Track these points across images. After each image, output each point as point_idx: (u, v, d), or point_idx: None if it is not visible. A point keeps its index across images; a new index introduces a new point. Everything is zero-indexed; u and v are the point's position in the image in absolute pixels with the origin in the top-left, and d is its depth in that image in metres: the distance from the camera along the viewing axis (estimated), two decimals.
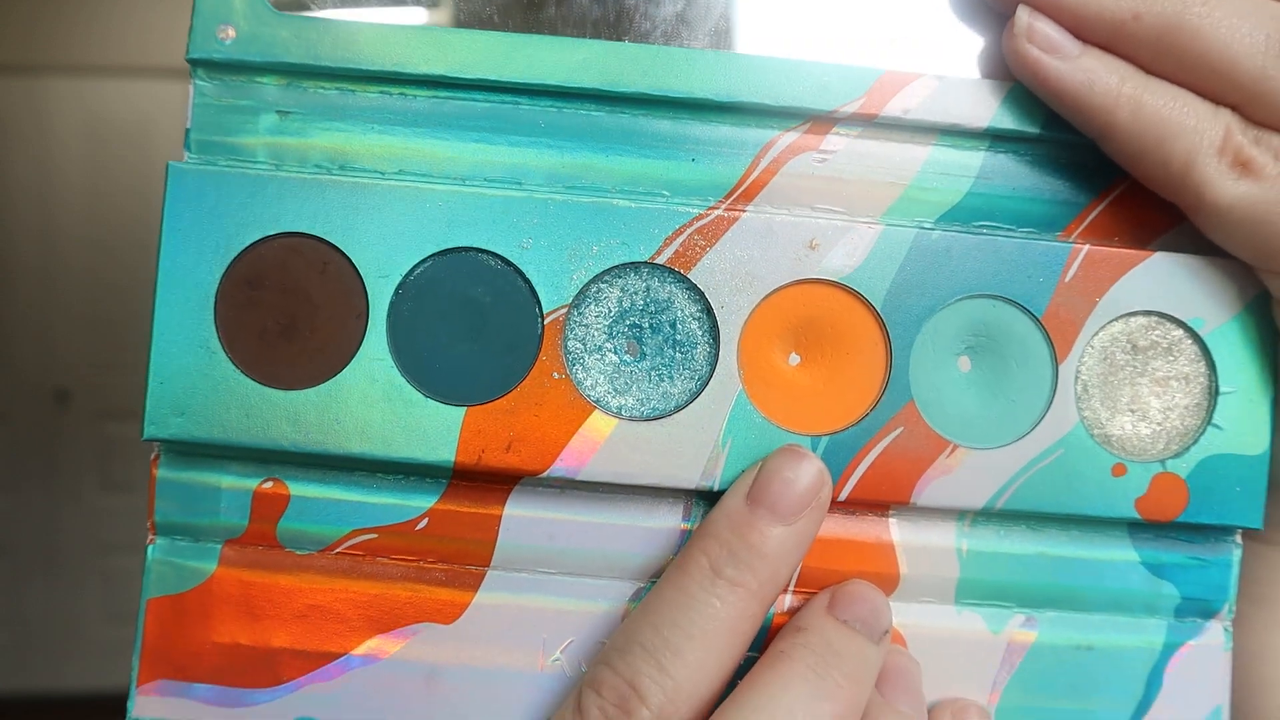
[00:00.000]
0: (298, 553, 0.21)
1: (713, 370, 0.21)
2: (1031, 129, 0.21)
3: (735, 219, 0.21)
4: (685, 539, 0.21)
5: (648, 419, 0.21)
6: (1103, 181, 0.22)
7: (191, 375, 0.21)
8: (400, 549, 0.21)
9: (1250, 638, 0.23)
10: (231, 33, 0.21)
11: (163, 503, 0.21)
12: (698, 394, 0.21)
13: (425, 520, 0.21)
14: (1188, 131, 0.20)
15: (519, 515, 0.21)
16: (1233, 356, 0.21)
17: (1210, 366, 0.21)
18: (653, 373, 0.21)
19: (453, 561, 0.21)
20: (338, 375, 0.21)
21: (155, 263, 0.21)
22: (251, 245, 0.21)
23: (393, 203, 0.21)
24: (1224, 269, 0.21)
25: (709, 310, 0.21)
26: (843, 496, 0.21)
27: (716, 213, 0.21)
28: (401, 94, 0.21)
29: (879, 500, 0.21)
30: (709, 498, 0.21)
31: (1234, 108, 0.20)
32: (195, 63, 0.21)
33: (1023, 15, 0.20)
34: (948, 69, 0.21)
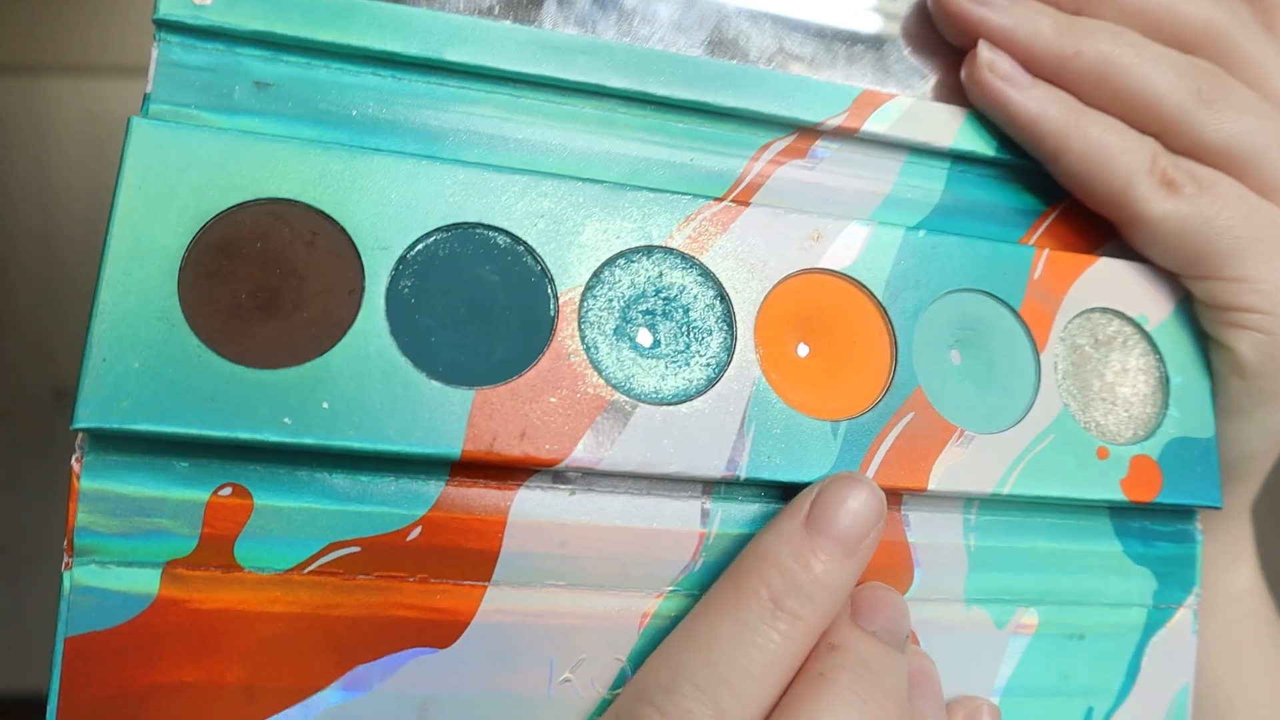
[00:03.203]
0: (261, 573, 0.18)
1: (730, 356, 0.20)
2: (987, 151, 0.23)
3: (742, 210, 0.21)
4: (704, 544, 0.20)
5: (667, 404, 0.20)
6: (1048, 199, 0.24)
7: (144, 351, 0.17)
8: (387, 564, 0.18)
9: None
10: None
11: (87, 516, 0.17)
12: (716, 379, 0.20)
13: (418, 529, 0.18)
14: (1125, 154, 0.22)
15: (525, 521, 0.19)
16: (1176, 348, 0.23)
17: (1159, 358, 0.23)
18: (669, 359, 0.20)
19: (448, 577, 0.19)
20: (326, 353, 0.18)
21: (106, 225, 0.18)
22: (227, 210, 0.18)
23: (397, 172, 0.19)
24: (1156, 272, 0.23)
25: (723, 296, 0.20)
26: None
27: (725, 203, 0.21)
28: (394, 77, 0.20)
29: (897, 487, 0.21)
30: (727, 496, 0.20)
31: (1156, 136, 0.23)
32: (162, 24, 0.19)
33: (984, 50, 0.22)
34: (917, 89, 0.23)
